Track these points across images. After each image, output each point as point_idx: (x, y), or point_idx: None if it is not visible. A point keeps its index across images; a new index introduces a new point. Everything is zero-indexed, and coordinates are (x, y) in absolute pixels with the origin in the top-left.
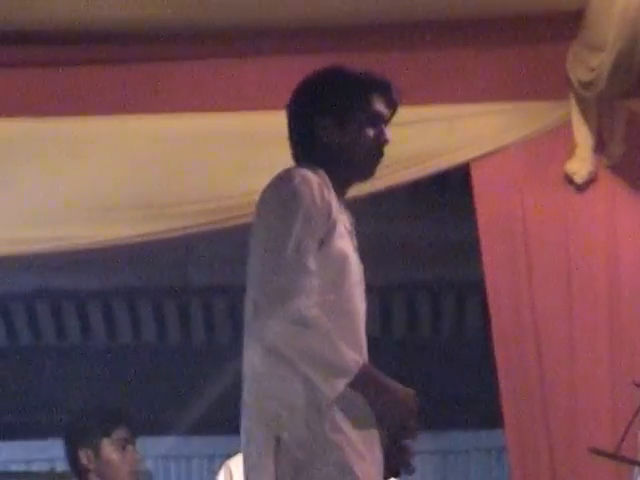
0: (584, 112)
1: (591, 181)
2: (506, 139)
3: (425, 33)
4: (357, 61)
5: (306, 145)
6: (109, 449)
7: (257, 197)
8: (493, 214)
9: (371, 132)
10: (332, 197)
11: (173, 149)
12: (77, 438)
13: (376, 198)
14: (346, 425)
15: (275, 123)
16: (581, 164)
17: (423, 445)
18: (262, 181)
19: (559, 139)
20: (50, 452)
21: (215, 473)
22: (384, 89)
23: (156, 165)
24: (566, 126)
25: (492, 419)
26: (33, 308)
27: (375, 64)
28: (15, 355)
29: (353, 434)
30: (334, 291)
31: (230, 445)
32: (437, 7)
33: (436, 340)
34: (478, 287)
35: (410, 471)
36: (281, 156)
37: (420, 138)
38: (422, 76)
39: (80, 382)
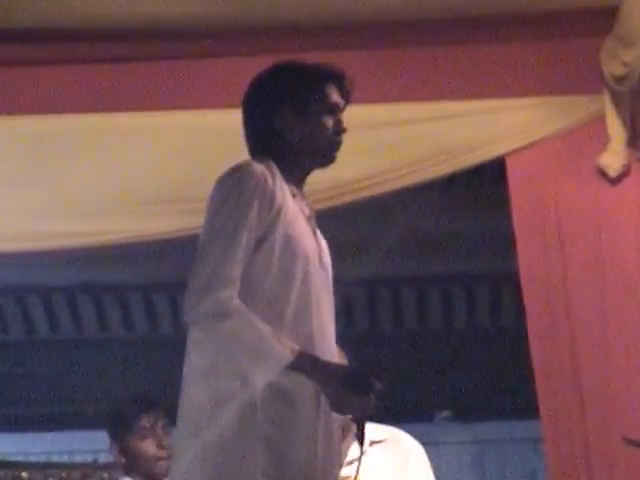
0: (617, 106)
1: (624, 174)
2: (541, 133)
3: (463, 29)
4: (394, 58)
5: (264, 138)
6: (132, 440)
7: (310, 189)
8: (528, 207)
9: (329, 122)
10: (280, 187)
11: (214, 143)
12: (109, 432)
13: (412, 191)
14: (280, 417)
15: None
16: (614, 157)
17: (460, 435)
18: (319, 173)
19: (593, 133)
20: (93, 444)
21: None
22: (339, 80)
23: (196, 159)
24: (600, 120)
25: (528, 410)
26: (75, 301)
27: (413, 61)
28: (57, 347)
29: (287, 425)
30: (280, 280)
31: None
32: (473, 3)
33: (471, 331)
34: (513, 279)
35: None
36: None
37: (456, 132)
38: (459, 71)
39: (122, 373)
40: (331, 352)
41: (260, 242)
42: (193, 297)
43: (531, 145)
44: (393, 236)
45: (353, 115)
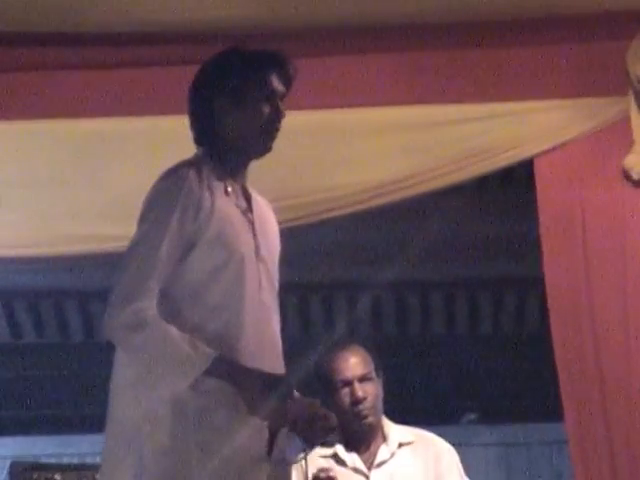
0: None
1: None
2: (568, 134)
3: (492, 32)
4: (425, 60)
5: (203, 126)
6: None
7: (335, 193)
8: (554, 209)
9: (267, 109)
10: (210, 185)
11: None
12: None
13: (440, 195)
14: (212, 424)
15: (352, 119)
16: (638, 159)
17: (485, 437)
18: (340, 177)
19: (618, 135)
20: None
21: None
22: (279, 65)
23: None
24: (625, 122)
25: (553, 412)
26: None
27: (443, 63)
28: (92, 350)
29: (221, 433)
30: (209, 285)
31: None
32: (502, 6)
33: (498, 335)
34: (539, 283)
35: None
36: (359, 152)
37: (485, 134)
38: (487, 74)
39: None
40: (271, 345)
41: (190, 248)
42: (112, 309)
43: (559, 147)
44: (421, 241)
45: (383, 117)
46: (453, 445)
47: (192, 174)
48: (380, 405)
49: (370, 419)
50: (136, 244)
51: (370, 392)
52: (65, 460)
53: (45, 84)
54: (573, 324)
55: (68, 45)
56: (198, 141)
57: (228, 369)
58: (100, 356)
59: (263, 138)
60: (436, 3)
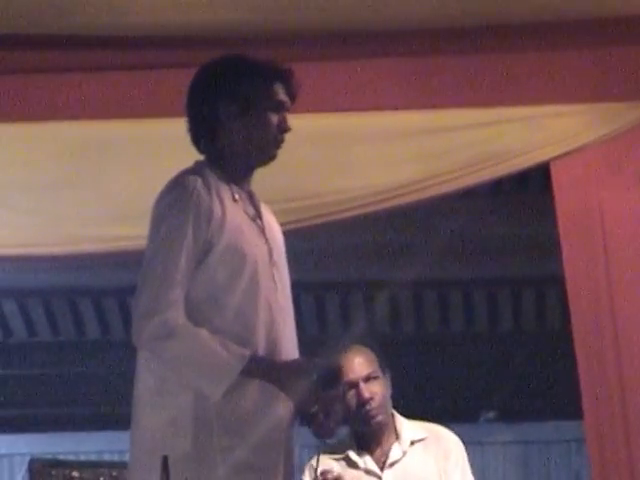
0: None
1: None
2: (584, 139)
3: (509, 37)
4: (440, 64)
5: (210, 132)
6: None
7: (344, 196)
8: (572, 211)
9: (274, 118)
10: (219, 194)
11: None
12: None
13: (459, 196)
14: (235, 432)
15: (367, 123)
16: None
17: (504, 436)
18: (349, 180)
19: (634, 139)
20: None
21: None
22: (286, 78)
23: None
24: None
25: (572, 411)
26: (125, 304)
27: (458, 67)
28: (109, 348)
29: (242, 440)
30: (227, 291)
31: None
32: (519, 11)
33: (517, 334)
34: (558, 282)
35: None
36: (373, 155)
37: (501, 138)
38: (505, 78)
39: None
40: (287, 346)
41: (203, 257)
42: (138, 322)
43: (575, 151)
44: (439, 240)
45: (401, 121)
46: (471, 443)
47: (199, 183)
48: (389, 403)
49: (379, 418)
50: (153, 257)
51: (377, 391)
52: (82, 457)
53: (50, 87)
54: (594, 324)
55: (73, 48)
56: (196, 144)
57: (264, 366)
58: (115, 354)
59: (269, 147)
60: (451, 7)
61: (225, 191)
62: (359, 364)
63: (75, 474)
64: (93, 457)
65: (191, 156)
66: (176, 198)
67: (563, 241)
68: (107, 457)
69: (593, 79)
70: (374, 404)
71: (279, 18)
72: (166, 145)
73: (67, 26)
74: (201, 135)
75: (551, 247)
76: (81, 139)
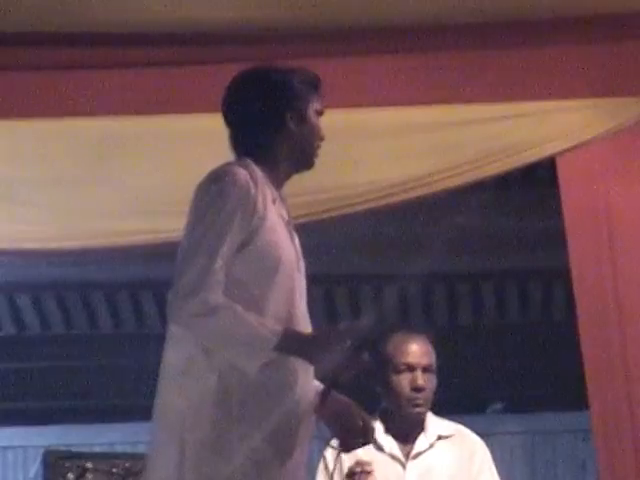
0: None
1: None
2: (590, 133)
3: (514, 32)
4: (447, 60)
5: (258, 139)
6: None
7: (355, 190)
8: (578, 205)
9: (320, 126)
10: (263, 191)
11: None
12: None
13: (467, 190)
14: (256, 427)
15: (376, 118)
16: None
17: (511, 426)
18: (360, 174)
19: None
20: None
21: None
22: (320, 87)
23: None
24: None
25: (578, 401)
26: (138, 297)
27: (465, 63)
28: (120, 342)
29: (262, 433)
30: (260, 283)
31: None
32: (524, 6)
33: (524, 325)
34: (564, 275)
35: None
36: (378, 149)
37: (508, 133)
38: (511, 73)
39: None
40: None
41: (240, 248)
42: (179, 299)
43: (581, 146)
44: (448, 234)
45: (406, 117)
46: (478, 434)
47: (247, 176)
48: (432, 400)
49: (422, 409)
50: (198, 242)
51: (429, 384)
52: (96, 449)
53: (66, 83)
54: (599, 315)
55: (90, 45)
56: (240, 151)
57: (297, 339)
58: (128, 347)
59: (314, 155)
60: (458, 4)
61: (267, 191)
62: (422, 352)
63: (89, 465)
64: (106, 449)
65: (205, 151)
66: (224, 188)
67: (569, 234)
68: (120, 449)
69: (599, 74)
70: (424, 395)
71: (288, 15)
72: (181, 141)
73: (82, 24)
74: (248, 146)
75: (558, 240)
76: (97, 135)
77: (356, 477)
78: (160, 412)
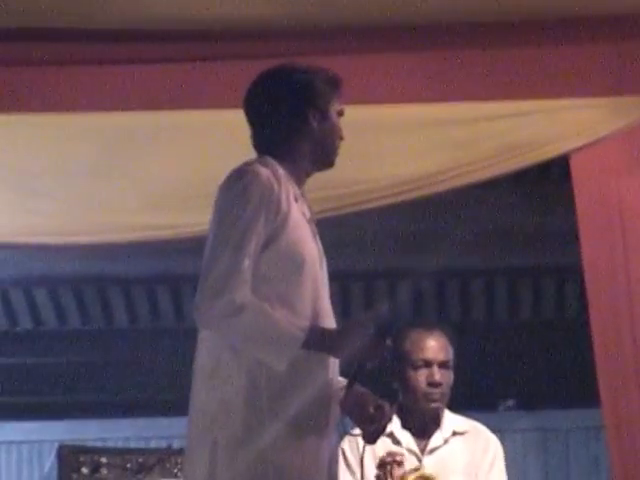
0: None
1: None
2: (604, 131)
3: (529, 30)
4: (462, 58)
5: (281, 137)
6: None
7: (372, 185)
8: (591, 202)
9: (339, 124)
10: (285, 189)
11: None
12: None
13: (481, 187)
14: (287, 424)
15: (393, 115)
16: None
17: (523, 423)
18: (376, 170)
19: None
20: (168, 430)
21: None
22: (341, 87)
23: None
24: None
25: (591, 398)
26: (154, 292)
27: (480, 61)
28: (135, 336)
29: (293, 432)
30: (286, 281)
31: None
32: (539, 5)
33: (537, 322)
34: (577, 271)
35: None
36: (399, 146)
37: (522, 130)
38: (524, 71)
39: None
40: None
41: (265, 246)
42: (206, 301)
43: (594, 143)
44: (462, 230)
45: (423, 114)
46: (492, 431)
47: (270, 174)
48: (448, 395)
49: (438, 404)
50: (223, 241)
51: (446, 380)
52: (110, 444)
53: (84, 78)
54: (611, 313)
55: (107, 40)
56: (262, 150)
57: (321, 335)
58: (144, 342)
59: (334, 153)
60: (474, 1)
61: (290, 189)
62: (440, 348)
63: (103, 460)
64: (121, 444)
65: (219, 146)
66: (247, 187)
67: (582, 231)
68: (134, 444)
69: (612, 72)
70: (440, 390)
71: (307, 12)
72: (195, 136)
73: (98, 20)
74: (271, 144)
75: (571, 237)
76: (113, 129)
77: (388, 467)
78: (193, 412)
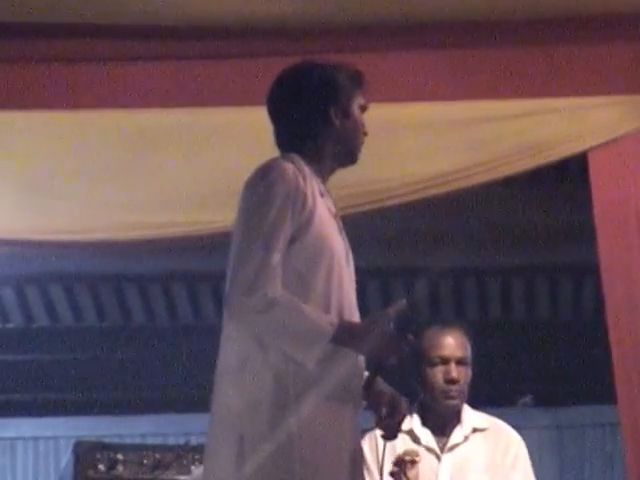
0: None
1: None
2: (622, 130)
3: (548, 29)
4: (479, 56)
5: (305, 134)
6: None
7: (389, 184)
8: (608, 201)
9: (364, 121)
10: (311, 185)
11: None
12: None
13: (498, 185)
14: (312, 420)
15: (407, 114)
16: None
17: (539, 420)
18: (394, 168)
19: None
20: (185, 426)
21: None
22: (364, 83)
23: None
24: None
25: (607, 395)
26: (170, 289)
27: (498, 59)
28: (152, 334)
29: (319, 428)
30: (312, 275)
31: None
32: (557, 3)
33: (553, 320)
34: (594, 270)
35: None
36: (417, 145)
37: (540, 128)
38: (543, 70)
39: (215, 360)
40: None
41: (293, 241)
42: (238, 296)
43: (612, 142)
44: (478, 228)
45: (441, 113)
46: None
47: (296, 171)
48: (467, 392)
49: (456, 401)
50: (251, 238)
51: (463, 376)
52: (126, 440)
53: (100, 76)
54: (628, 309)
55: (127, 38)
56: (285, 147)
57: (350, 329)
58: (160, 339)
59: (358, 150)
60: (493, 1)
61: (315, 185)
62: (457, 345)
63: (119, 457)
64: (137, 440)
65: (239, 145)
66: (273, 183)
67: (599, 230)
68: (151, 440)
69: (631, 71)
70: (458, 387)
71: (329, 9)
72: (215, 134)
73: (118, 17)
74: (295, 141)
75: (588, 235)
76: (130, 127)
77: (402, 466)
78: (217, 408)
